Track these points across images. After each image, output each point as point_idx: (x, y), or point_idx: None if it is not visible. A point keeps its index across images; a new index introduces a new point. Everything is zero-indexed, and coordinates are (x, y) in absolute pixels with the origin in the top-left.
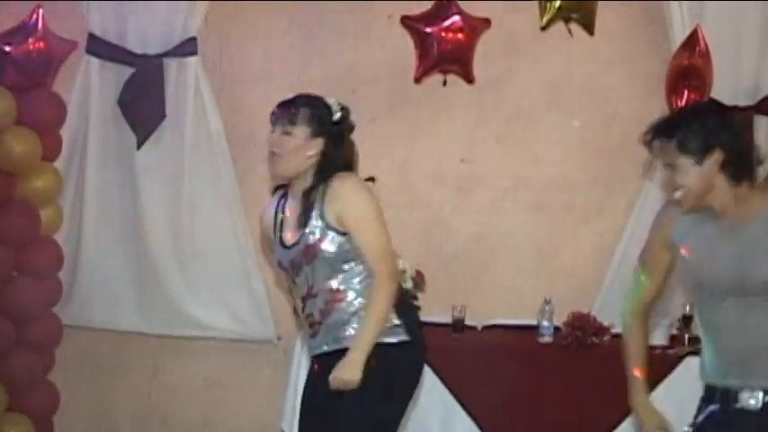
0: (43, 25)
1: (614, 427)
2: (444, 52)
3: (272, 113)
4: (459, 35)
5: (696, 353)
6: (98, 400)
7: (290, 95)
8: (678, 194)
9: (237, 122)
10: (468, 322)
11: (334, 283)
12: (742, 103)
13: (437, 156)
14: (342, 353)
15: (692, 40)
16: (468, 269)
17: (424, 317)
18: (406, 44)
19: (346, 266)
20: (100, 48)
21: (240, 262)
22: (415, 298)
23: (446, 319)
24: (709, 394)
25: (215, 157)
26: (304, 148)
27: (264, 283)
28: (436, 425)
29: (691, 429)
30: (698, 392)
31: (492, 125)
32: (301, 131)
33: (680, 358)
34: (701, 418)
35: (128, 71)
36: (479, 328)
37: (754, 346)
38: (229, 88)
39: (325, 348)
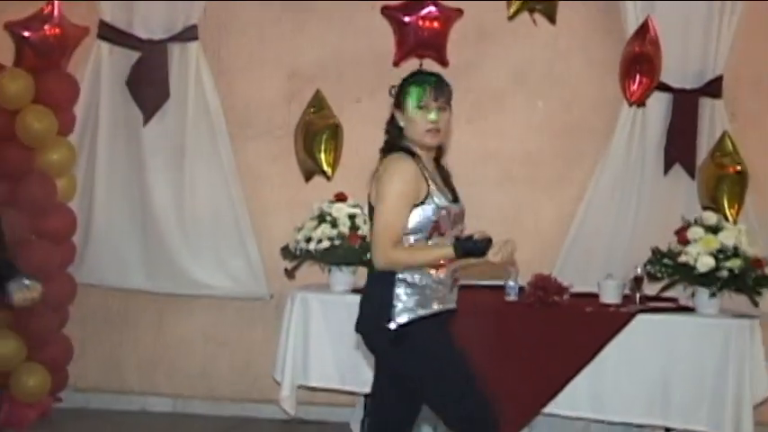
0: (59, 13)
1: (571, 377)
2: (421, 39)
3: (413, 90)
4: (435, 24)
5: (645, 311)
6: (108, 351)
7: (281, 78)
8: None
9: (234, 102)
10: None
11: None
12: (689, 86)
13: None
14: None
15: (643, 29)
16: None
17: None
18: (387, 32)
19: None
20: (110, 34)
21: (236, 227)
22: None
23: None
24: None
25: (213, 132)
26: (450, 123)
27: (258, 247)
28: None
29: None
30: (646, 349)
31: (463, 105)
32: (449, 108)
33: (631, 316)
34: None
35: (135, 55)
36: None
37: None
38: (227, 71)
39: (455, 306)
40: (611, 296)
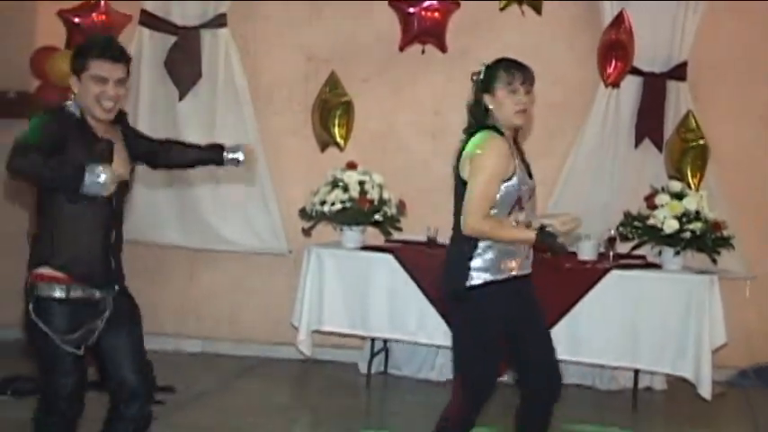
0: (105, 2)
1: (553, 325)
2: (423, 27)
3: (505, 76)
4: (435, 14)
5: (619, 267)
6: (146, 299)
7: (300, 61)
8: None
9: (258, 81)
10: (439, 240)
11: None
12: (657, 70)
13: (416, 109)
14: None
15: (619, 20)
16: (440, 199)
17: (407, 236)
18: (393, 20)
19: None
20: (150, 21)
21: (260, 190)
22: (399, 221)
23: (422, 237)
24: None
25: (240, 108)
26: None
27: (279, 208)
28: (414, 320)
29: None
30: (618, 300)
31: (460, 85)
32: (532, 91)
33: (605, 271)
34: None
35: (171, 39)
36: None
37: None
38: (252, 54)
39: (530, 270)
40: (587, 254)
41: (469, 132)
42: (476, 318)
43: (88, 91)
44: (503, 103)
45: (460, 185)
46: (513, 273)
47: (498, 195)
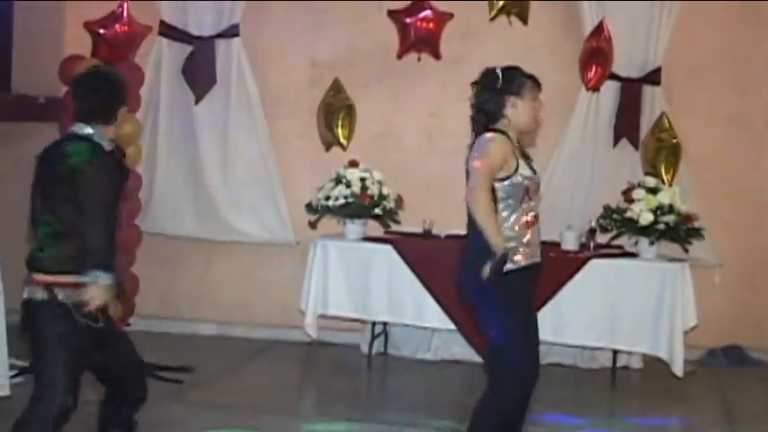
0: (127, 14)
1: (538, 309)
2: (419, 36)
3: (529, 84)
4: (430, 24)
5: (599, 256)
6: (166, 286)
7: (306, 68)
8: None
9: (268, 87)
10: (434, 232)
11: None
12: (634, 75)
13: (413, 111)
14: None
15: (599, 29)
16: (435, 194)
17: (404, 228)
18: (391, 30)
19: None
20: (168, 31)
21: (269, 187)
22: (397, 214)
23: (418, 229)
24: None
25: (251, 111)
26: None
27: (287, 203)
28: (411, 305)
29: None
30: (598, 286)
31: (452, 89)
32: None
33: (586, 260)
34: None
35: (188, 48)
36: (442, 236)
37: None
38: (262, 62)
39: (540, 260)
40: (570, 244)
41: (479, 131)
42: (497, 301)
43: None
44: (525, 108)
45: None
46: (526, 262)
47: (508, 189)
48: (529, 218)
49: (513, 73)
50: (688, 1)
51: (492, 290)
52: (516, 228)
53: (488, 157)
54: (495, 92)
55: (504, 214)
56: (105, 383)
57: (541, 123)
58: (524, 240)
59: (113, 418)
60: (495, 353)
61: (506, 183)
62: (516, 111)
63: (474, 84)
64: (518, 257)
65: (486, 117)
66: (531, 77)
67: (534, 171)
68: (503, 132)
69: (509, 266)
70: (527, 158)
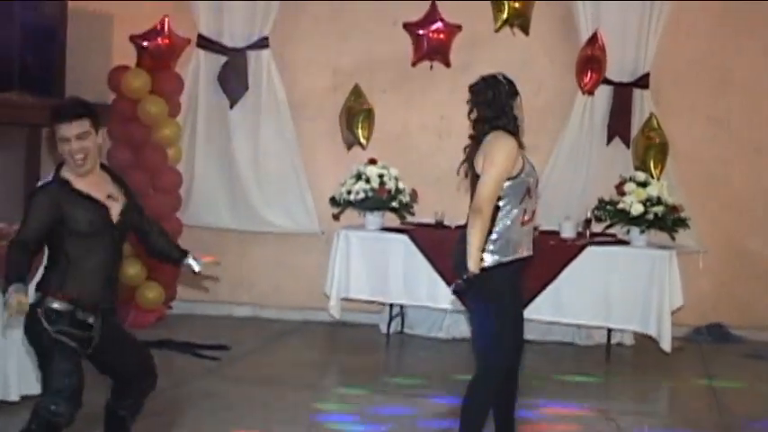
0: (168, 28)
1: (539, 291)
2: (431, 47)
3: (518, 92)
4: (441, 35)
5: (594, 244)
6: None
7: (329, 75)
8: None
9: (295, 93)
10: (445, 222)
11: None
12: (625, 80)
13: (426, 114)
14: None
15: (594, 38)
16: (445, 189)
17: (418, 219)
18: (406, 41)
19: None
20: (205, 43)
21: (297, 183)
22: (412, 207)
23: (431, 220)
24: None
25: (280, 114)
26: None
27: (312, 197)
28: (425, 288)
29: None
30: (593, 271)
31: (461, 94)
32: None
33: (583, 247)
34: None
35: (223, 59)
36: (453, 226)
37: None
38: (289, 70)
39: (531, 253)
40: (568, 232)
41: (483, 132)
42: (488, 291)
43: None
44: (521, 109)
45: (475, 178)
46: (518, 255)
47: (512, 188)
48: (526, 216)
49: (508, 77)
50: (673, 13)
51: (478, 281)
52: (509, 223)
53: (503, 165)
54: (508, 95)
55: (505, 210)
56: (112, 379)
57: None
58: (515, 237)
59: (122, 401)
60: (478, 338)
61: (512, 182)
62: (521, 111)
63: (473, 88)
64: (507, 253)
65: (494, 118)
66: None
67: (533, 167)
68: (512, 133)
69: (496, 260)
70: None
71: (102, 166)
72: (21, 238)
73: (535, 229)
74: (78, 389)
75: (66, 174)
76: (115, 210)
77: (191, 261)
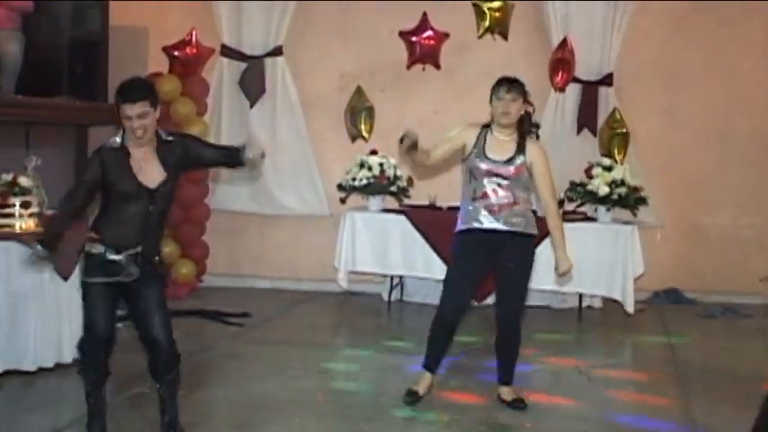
0: (196, 40)
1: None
2: (423, 52)
3: (500, 85)
4: (432, 42)
5: (567, 221)
6: (231, 250)
7: (335, 78)
8: None
9: (305, 93)
10: (438, 204)
11: None
12: (592, 78)
13: (420, 110)
14: None
15: (564, 43)
16: (438, 175)
17: (414, 201)
18: (401, 47)
19: None
20: (227, 52)
21: (308, 171)
22: (408, 191)
23: (425, 202)
24: None
25: (293, 113)
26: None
27: (322, 183)
28: (420, 261)
29: None
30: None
31: (451, 93)
32: (520, 98)
33: None
34: None
35: (243, 65)
36: (444, 208)
37: None
38: (301, 74)
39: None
40: (542, 210)
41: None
42: (452, 249)
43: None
44: (493, 108)
45: None
46: (469, 226)
47: (462, 169)
48: (477, 194)
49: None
50: (632, 22)
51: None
52: (464, 199)
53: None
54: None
55: (462, 188)
56: (142, 341)
57: (507, 117)
58: (468, 210)
59: (156, 378)
60: None
61: (462, 165)
62: (491, 107)
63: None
64: (462, 222)
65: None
66: (501, 82)
67: (490, 159)
68: (486, 125)
69: (457, 228)
70: (495, 147)
71: (162, 138)
72: (72, 188)
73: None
74: (102, 335)
75: (127, 141)
76: (156, 179)
77: (248, 155)
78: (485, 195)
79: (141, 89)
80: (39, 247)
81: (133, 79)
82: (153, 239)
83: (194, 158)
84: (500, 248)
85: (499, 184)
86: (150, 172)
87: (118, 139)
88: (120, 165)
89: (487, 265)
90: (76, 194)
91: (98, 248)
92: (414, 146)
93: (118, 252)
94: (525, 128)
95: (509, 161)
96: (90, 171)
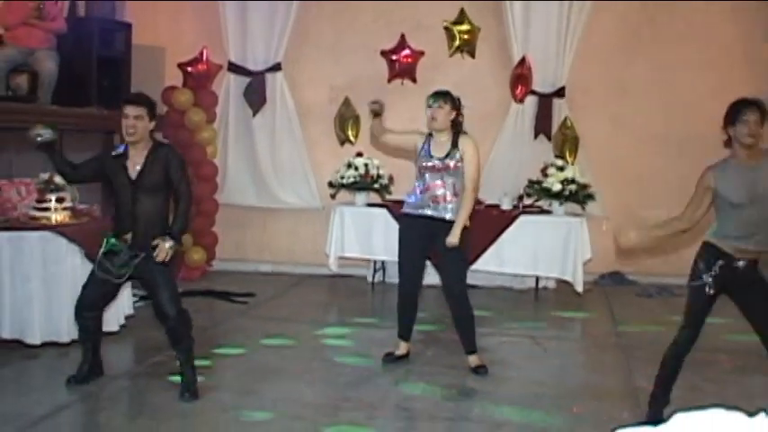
0: (207, 57)
1: (486, 248)
2: (402, 68)
3: (429, 96)
4: (409, 59)
5: (525, 213)
6: (237, 239)
7: (326, 90)
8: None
9: (301, 103)
10: None
11: None
12: (547, 91)
13: (399, 118)
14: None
15: (523, 61)
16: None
17: (395, 197)
18: (383, 64)
19: None
20: (233, 68)
21: (303, 171)
22: (389, 188)
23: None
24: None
25: (290, 121)
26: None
27: (315, 181)
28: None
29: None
30: (525, 234)
31: (425, 104)
32: (446, 106)
33: (517, 216)
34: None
35: (247, 79)
36: None
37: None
38: (298, 87)
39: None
40: (506, 205)
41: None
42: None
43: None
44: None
45: None
46: (409, 211)
47: (416, 165)
48: (420, 188)
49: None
50: (582, 41)
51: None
52: (417, 190)
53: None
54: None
55: (417, 180)
56: (155, 311)
57: (434, 122)
58: (419, 198)
59: (172, 346)
60: None
61: (416, 162)
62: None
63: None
64: (411, 208)
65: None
66: (432, 95)
67: (433, 157)
68: (430, 134)
69: (404, 210)
70: (436, 148)
71: (161, 144)
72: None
73: (481, 203)
74: (83, 304)
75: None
76: (135, 172)
77: (160, 242)
78: (429, 188)
79: (142, 98)
80: (43, 129)
81: (136, 92)
82: (142, 226)
83: (169, 175)
84: (440, 233)
85: (442, 179)
86: (135, 167)
87: (120, 148)
88: (115, 163)
89: (429, 246)
90: (71, 167)
91: (109, 236)
92: (377, 114)
93: (117, 238)
94: (457, 128)
95: (447, 156)
96: (90, 159)
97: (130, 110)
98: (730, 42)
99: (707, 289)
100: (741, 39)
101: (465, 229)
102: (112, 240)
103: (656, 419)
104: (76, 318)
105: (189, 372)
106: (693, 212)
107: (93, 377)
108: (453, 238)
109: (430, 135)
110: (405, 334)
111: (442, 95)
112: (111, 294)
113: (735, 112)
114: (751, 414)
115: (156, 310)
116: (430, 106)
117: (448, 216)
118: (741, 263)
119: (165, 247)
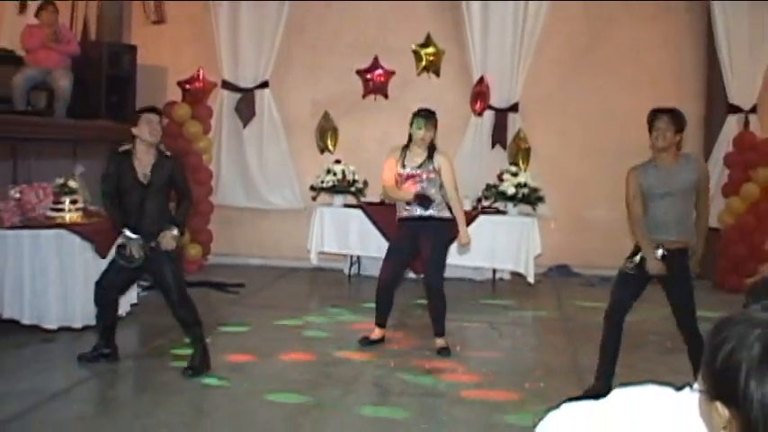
0: (203, 76)
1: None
2: (375, 86)
3: (417, 115)
4: (382, 78)
5: (484, 213)
6: (230, 236)
7: (308, 105)
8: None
9: (286, 117)
10: (386, 201)
11: None
12: (503, 106)
13: (373, 131)
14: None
15: (481, 80)
16: None
17: (369, 199)
18: (359, 82)
19: None
20: (226, 85)
21: (288, 176)
22: (364, 191)
23: (377, 200)
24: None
25: (277, 132)
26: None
27: (299, 185)
28: (374, 244)
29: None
30: (484, 231)
31: (396, 118)
32: (433, 129)
33: (477, 215)
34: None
35: (238, 95)
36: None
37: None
38: (284, 102)
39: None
40: (467, 206)
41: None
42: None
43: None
44: (414, 133)
45: None
46: (401, 214)
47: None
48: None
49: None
50: (534, 63)
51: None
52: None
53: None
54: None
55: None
56: (164, 298)
57: (424, 142)
58: (402, 204)
59: (183, 330)
60: None
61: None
62: (413, 132)
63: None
64: (398, 212)
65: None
66: (421, 112)
67: (405, 166)
68: (405, 146)
69: (397, 216)
70: (412, 159)
71: (166, 156)
72: (104, 189)
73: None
74: (102, 287)
75: (136, 145)
76: (144, 174)
77: (166, 233)
78: (410, 199)
79: (160, 110)
80: (131, 236)
81: (153, 105)
82: (149, 219)
83: (173, 180)
84: (422, 230)
85: (416, 185)
86: (144, 172)
87: (128, 146)
88: (126, 164)
89: (415, 243)
90: (111, 197)
91: (120, 229)
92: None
93: (127, 231)
94: (432, 143)
95: (420, 166)
96: (109, 170)
97: (156, 117)
98: (661, 65)
99: (627, 271)
100: (670, 62)
101: (449, 233)
102: (128, 233)
103: (599, 393)
104: (96, 299)
105: (196, 349)
106: (639, 207)
107: (110, 359)
108: (465, 239)
109: (406, 147)
110: (381, 321)
111: (431, 119)
112: (127, 281)
113: (649, 120)
114: (679, 388)
115: (164, 299)
116: (420, 128)
117: (429, 212)
118: (660, 251)
119: (169, 235)
